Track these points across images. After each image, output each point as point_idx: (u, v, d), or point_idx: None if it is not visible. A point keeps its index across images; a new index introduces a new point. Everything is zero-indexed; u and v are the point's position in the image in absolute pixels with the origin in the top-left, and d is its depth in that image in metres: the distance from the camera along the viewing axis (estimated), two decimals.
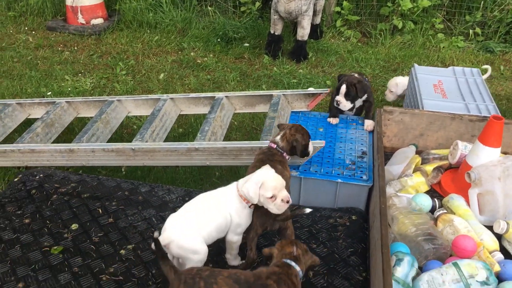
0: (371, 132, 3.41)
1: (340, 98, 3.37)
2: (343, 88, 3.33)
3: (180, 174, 3.74)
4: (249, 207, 2.37)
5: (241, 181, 2.39)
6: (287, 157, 2.72)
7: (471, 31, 6.20)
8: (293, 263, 2.04)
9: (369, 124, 3.43)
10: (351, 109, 3.57)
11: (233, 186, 2.42)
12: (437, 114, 3.27)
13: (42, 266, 2.54)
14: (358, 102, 3.51)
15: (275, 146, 2.71)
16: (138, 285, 2.44)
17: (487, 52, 6.02)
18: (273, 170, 2.36)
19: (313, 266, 2.17)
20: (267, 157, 2.66)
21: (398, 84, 4.41)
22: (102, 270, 2.52)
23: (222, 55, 5.84)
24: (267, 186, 2.27)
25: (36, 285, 2.43)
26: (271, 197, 2.26)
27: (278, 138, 2.73)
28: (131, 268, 2.54)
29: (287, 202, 2.29)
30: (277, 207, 2.28)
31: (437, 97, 3.58)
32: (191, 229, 2.26)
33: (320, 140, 3.27)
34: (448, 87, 3.73)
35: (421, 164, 3.20)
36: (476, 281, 2.26)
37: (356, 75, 3.41)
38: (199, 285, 1.93)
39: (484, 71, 4.43)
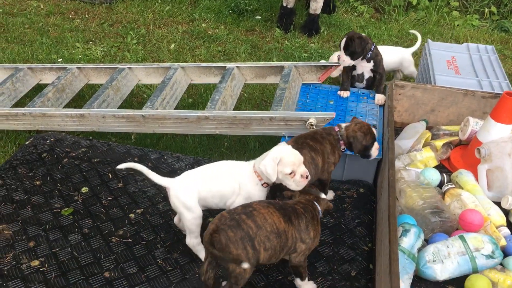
0: (382, 106, 3.40)
1: (341, 53, 3.36)
2: (343, 42, 3.33)
3: (189, 143, 3.75)
4: (262, 185, 2.32)
5: (258, 159, 2.36)
6: (342, 147, 2.64)
7: (486, 9, 6.09)
8: (316, 203, 2.22)
9: (380, 98, 3.41)
10: (360, 81, 3.55)
11: (250, 162, 2.39)
12: (449, 90, 3.24)
13: (53, 227, 2.58)
14: (367, 73, 3.48)
15: (337, 129, 2.64)
16: (147, 247, 2.48)
17: (502, 31, 5.93)
18: (289, 146, 2.33)
19: (327, 210, 2.30)
20: (320, 134, 2.62)
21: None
22: (112, 232, 2.56)
23: (234, 27, 5.79)
24: (285, 162, 2.23)
25: (46, 245, 2.47)
26: (290, 173, 2.23)
27: (344, 125, 2.66)
28: (140, 231, 2.57)
29: (306, 177, 2.26)
30: (296, 183, 2.25)
31: (450, 73, 3.55)
32: (191, 185, 2.30)
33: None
34: (461, 64, 3.69)
35: (431, 139, 3.20)
36: (482, 254, 2.28)
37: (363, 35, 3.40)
38: (242, 219, 1.98)
39: (414, 38, 4.42)
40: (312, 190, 2.31)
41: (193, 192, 2.30)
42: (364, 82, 3.58)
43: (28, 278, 2.29)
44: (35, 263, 2.37)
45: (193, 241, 2.36)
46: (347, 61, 3.38)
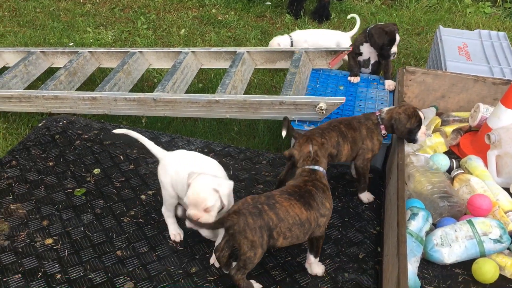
0: (392, 92, 3.40)
1: (396, 48, 3.32)
2: (398, 37, 3.30)
3: (199, 127, 3.78)
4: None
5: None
6: (383, 131, 2.60)
7: None
8: (315, 167, 2.22)
9: (390, 83, 3.41)
10: (366, 66, 3.56)
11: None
12: (460, 76, 3.24)
13: (66, 206, 2.63)
14: (373, 58, 3.49)
15: (378, 113, 2.62)
16: (158, 228, 2.52)
17: None
18: (205, 178, 2.10)
19: (330, 156, 2.37)
20: (358, 119, 2.61)
21: (279, 44, 4.35)
22: (123, 213, 2.60)
23: (244, 13, 5.78)
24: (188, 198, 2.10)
25: (60, 224, 2.52)
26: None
27: (386, 109, 2.62)
28: (151, 212, 2.62)
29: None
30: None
31: (461, 59, 3.54)
32: (179, 165, 2.31)
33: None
34: (473, 50, 3.68)
35: (441, 125, 3.20)
36: (490, 238, 2.29)
37: (373, 24, 3.39)
38: (264, 209, 2.02)
39: (427, 25, 4.40)
40: (306, 137, 2.35)
41: (171, 167, 2.33)
42: (370, 67, 3.58)
43: (42, 256, 2.34)
44: (49, 241, 2.42)
45: (165, 212, 2.47)
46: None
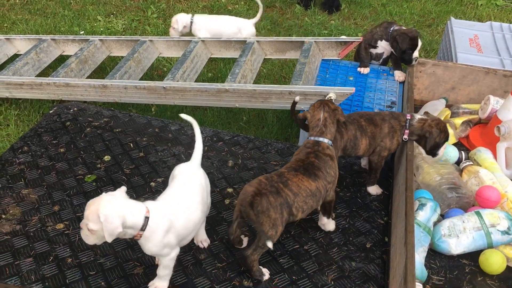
0: (402, 83, 3.39)
1: (417, 53, 3.27)
2: (420, 43, 3.26)
3: (208, 116, 3.80)
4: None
5: None
6: (405, 136, 2.57)
7: None
8: (320, 138, 2.32)
9: (400, 75, 3.40)
10: (378, 59, 3.55)
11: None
12: (471, 68, 3.22)
13: (77, 192, 2.66)
14: (387, 53, 3.47)
15: (409, 117, 2.57)
16: None
17: None
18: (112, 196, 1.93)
19: (339, 121, 2.41)
20: (382, 116, 2.59)
21: (178, 20, 4.35)
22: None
23: (253, 2, 5.76)
24: None
25: (70, 209, 2.56)
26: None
27: (419, 116, 2.58)
28: None
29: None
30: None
31: (472, 51, 3.52)
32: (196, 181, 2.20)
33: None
34: (484, 42, 3.65)
35: (450, 117, 3.19)
36: (497, 230, 2.30)
37: (396, 26, 3.36)
38: (280, 187, 2.10)
39: (437, 17, 4.37)
40: (322, 102, 2.41)
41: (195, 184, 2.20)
42: (381, 61, 3.57)
43: (53, 240, 2.38)
44: (60, 226, 2.45)
45: None
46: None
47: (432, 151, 2.57)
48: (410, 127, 2.56)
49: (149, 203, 2.00)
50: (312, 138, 2.35)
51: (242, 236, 2.33)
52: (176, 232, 1.99)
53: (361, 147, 2.59)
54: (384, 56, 3.52)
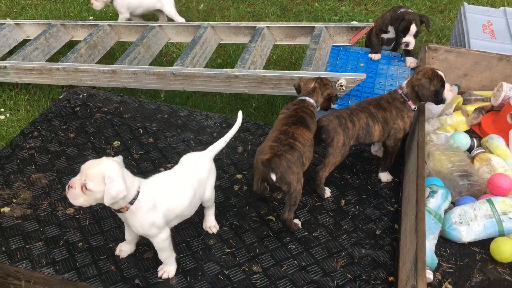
0: (413, 69, 3.35)
1: (410, 39, 3.25)
2: (413, 28, 3.22)
3: (217, 103, 3.78)
4: None
5: None
6: (412, 106, 2.58)
7: None
8: (306, 98, 2.55)
9: (411, 61, 3.36)
10: (389, 44, 3.51)
11: None
12: (484, 54, 3.17)
13: None
14: (392, 33, 3.42)
15: (400, 91, 2.59)
16: None
17: None
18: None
19: (330, 96, 2.61)
20: (386, 99, 2.59)
21: None
22: None
23: None
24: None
25: None
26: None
27: (405, 82, 2.60)
28: None
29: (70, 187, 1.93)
30: None
31: (485, 37, 3.46)
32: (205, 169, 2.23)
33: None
34: (497, 28, 3.59)
35: (462, 104, 3.15)
36: (509, 218, 2.28)
37: (403, 9, 3.31)
38: (291, 142, 2.28)
39: (450, 3, 4.33)
40: (317, 77, 2.64)
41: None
42: (392, 45, 3.53)
43: (64, 224, 2.39)
44: (70, 210, 2.46)
45: None
46: (413, 43, 3.31)
47: (437, 99, 2.57)
48: (407, 96, 2.57)
49: (140, 180, 2.01)
50: (299, 98, 2.57)
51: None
52: (161, 213, 2.00)
53: (375, 134, 2.58)
54: (390, 36, 3.48)
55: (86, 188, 1.84)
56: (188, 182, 2.12)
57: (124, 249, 2.25)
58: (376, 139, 2.61)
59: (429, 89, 2.52)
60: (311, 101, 2.54)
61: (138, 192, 1.93)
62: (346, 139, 2.50)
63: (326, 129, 2.49)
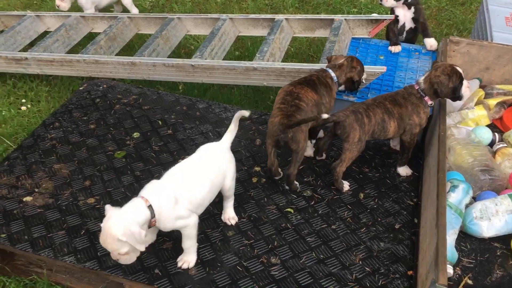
0: (435, 52, 3.32)
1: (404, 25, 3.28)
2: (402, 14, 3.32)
3: (235, 95, 3.79)
4: None
5: None
6: (429, 102, 2.54)
7: None
8: (329, 70, 2.68)
9: (432, 43, 3.35)
10: (401, 33, 3.48)
11: None
12: (507, 48, 3.12)
13: (107, 168, 2.70)
14: (408, 23, 3.41)
15: (417, 87, 2.55)
16: None
17: None
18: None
19: (352, 78, 2.69)
20: (402, 95, 2.57)
21: None
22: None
23: None
24: None
25: (101, 184, 2.60)
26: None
27: (423, 77, 2.56)
28: None
29: None
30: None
31: (508, 30, 3.40)
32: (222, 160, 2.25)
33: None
34: None
35: (484, 98, 3.11)
36: None
37: None
38: (296, 102, 2.45)
39: None
40: (347, 56, 2.75)
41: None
42: (404, 34, 3.51)
43: (85, 214, 2.42)
44: (91, 200, 2.50)
45: None
46: (390, 1, 3.35)
47: (455, 96, 2.53)
48: (424, 91, 2.54)
49: (151, 186, 2.03)
50: (323, 67, 2.72)
51: (280, 170, 2.61)
52: (184, 205, 2.02)
53: (390, 130, 2.56)
54: (407, 28, 3.48)
55: (123, 254, 1.92)
56: (205, 171, 2.14)
57: (146, 239, 2.26)
58: (391, 135, 2.59)
59: (448, 86, 2.48)
60: (332, 73, 2.66)
61: (150, 205, 1.95)
62: (362, 134, 2.49)
63: (342, 125, 2.47)
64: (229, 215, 2.40)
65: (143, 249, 1.93)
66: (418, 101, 2.55)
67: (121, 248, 1.90)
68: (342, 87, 2.75)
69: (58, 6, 4.40)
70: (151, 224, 1.98)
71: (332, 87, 2.64)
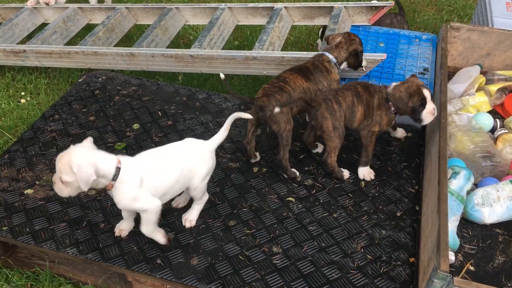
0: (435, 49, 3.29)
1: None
2: None
3: (235, 85, 3.77)
4: None
5: None
6: (392, 108, 2.47)
7: None
8: (325, 53, 2.68)
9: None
10: None
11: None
12: (508, 33, 3.10)
13: None
14: None
15: (387, 90, 2.48)
16: None
17: None
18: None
19: (356, 51, 2.69)
20: (374, 87, 2.54)
21: None
22: None
23: None
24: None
25: None
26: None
27: (393, 84, 2.49)
28: None
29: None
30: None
31: (509, 16, 3.38)
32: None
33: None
34: None
35: (485, 84, 3.09)
36: None
37: None
38: (281, 85, 2.49)
39: None
40: (346, 32, 2.76)
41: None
42: None
43: (86, 206, 2.43)
44: (92, 192, 2.49)
45: None
46: None
47: (414, 117, 2.44)
48: (388, 96, 2.44)
49: (123, 157, 2.05)
50: (320, 52, 2.71)
51: (257, 154, 2.69)
52: (145, 189, 2.03)
53: (357, 115, 2.48)
54: None
55: (63, 181, 1.93)
56: (177, 162, 2.13)
57: (124, 227, 2.28)
58: (357, 122, 2.50)
59: (407, 104, 2.39)
60: (330, 56, 2.66)
61: (119, 168, 1.97)
62: (335, 121, 2.44)
63: (314, 115, 2.46)
64: (189, 216, 2.33)
65: (85, 189, 1.92)
66: (383, 102, 2.47)
67: (66, 176, 1.91)
68: (344, 66, 2.71)
69: (47, 3, 4.21)
70: (107, 186, 1.99)
71: (331, 69, 2.64)
